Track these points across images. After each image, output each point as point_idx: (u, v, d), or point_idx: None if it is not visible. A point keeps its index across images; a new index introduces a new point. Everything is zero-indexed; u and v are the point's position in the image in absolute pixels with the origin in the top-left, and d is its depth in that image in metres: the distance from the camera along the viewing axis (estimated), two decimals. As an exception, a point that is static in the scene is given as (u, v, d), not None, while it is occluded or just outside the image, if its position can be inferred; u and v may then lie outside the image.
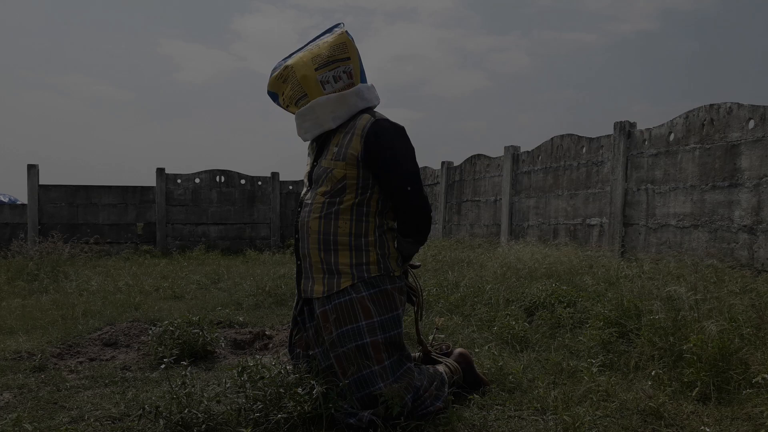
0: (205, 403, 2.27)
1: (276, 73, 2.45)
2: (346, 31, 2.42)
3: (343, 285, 2.30)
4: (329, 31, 2.47)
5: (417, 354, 2.76)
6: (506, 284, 4.87)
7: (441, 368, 2.59)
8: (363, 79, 2.48)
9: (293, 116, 2.47)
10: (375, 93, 2.47)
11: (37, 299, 5.69)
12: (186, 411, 2.22)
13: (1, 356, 3.49)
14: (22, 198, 13.30)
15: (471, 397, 2.58)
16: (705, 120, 6.28)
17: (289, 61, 2.41)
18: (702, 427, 2.24)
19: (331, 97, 2.35)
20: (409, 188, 2.33)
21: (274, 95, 2.52)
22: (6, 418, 2.34)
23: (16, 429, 2.22)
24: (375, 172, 2.32)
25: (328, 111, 2.35)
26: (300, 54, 2.41)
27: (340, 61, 2.37)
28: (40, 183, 12.61)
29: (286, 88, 2.43)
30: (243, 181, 13.99)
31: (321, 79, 2.36)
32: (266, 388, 2.27)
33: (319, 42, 2.43)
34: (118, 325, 4.37)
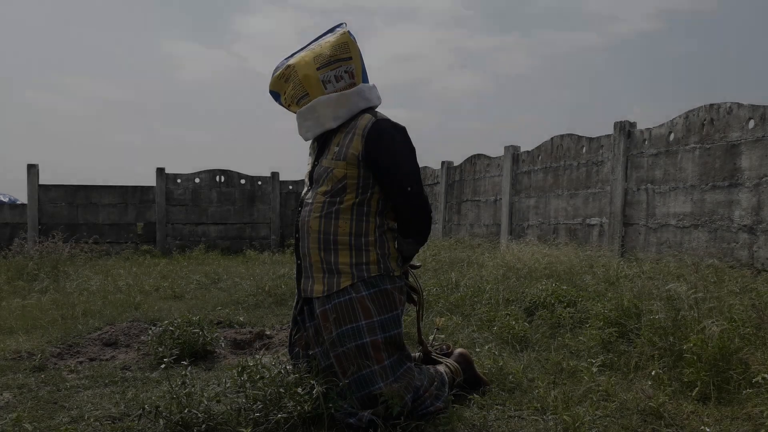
0: (205, 403, 2.27)
1: (278, 72, 2.44)
2: (348, 31, 2.42)
3: (343, 284, 2.30)
4: (331, 30, 2.47)
5: (417, 354, 2.76)
6: (506, 284, 4.87)
7: (441, 368, 2.58)
8: (365, 79, 2.48)
9: (294, 116, 2.47)
10: (376, 93, 2.47)
11: (37, 299, 5.68)
12: (186, 411, 2.22)
13: (1, 356, 3.49)
14: (22, 198, 13.29)
15: (471, 397, 2.58)
16: (705, 120, 6.28)
17: (291, 61, 2.41)
18: (702, 427, 2.24)
19: (333, 96, 2.35)
20: (409, 188, 2.33)
21: (275, 94, 2.52)
22: (6, 418, 2.34)
23: (16, 429, 2.22)
24: (375, 172, 2.32)
25: (329, 110, 2.35)
26: (302, 53, 2.42)
27: (341, 61, 2.37)
28: (40, 183, 12.60)
29: (288, 87, 2.43)
30: (243, 181, 13.98)
31: (323, 78, 2.36)
32: (266, 388, 2.27)
33: (321, 41, 2.43)
34: (118, 325, 4.37)
